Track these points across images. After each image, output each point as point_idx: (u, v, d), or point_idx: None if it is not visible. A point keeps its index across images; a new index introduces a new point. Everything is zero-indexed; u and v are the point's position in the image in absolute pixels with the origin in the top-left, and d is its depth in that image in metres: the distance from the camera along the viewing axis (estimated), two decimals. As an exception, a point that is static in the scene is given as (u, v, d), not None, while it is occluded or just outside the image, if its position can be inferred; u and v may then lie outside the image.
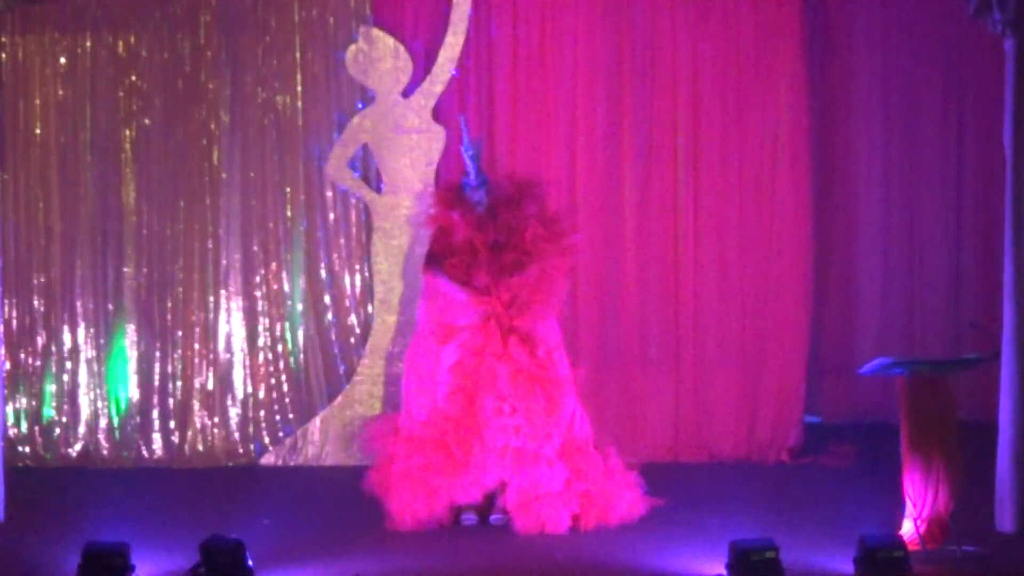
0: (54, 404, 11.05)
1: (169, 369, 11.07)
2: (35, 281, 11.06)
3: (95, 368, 11.04)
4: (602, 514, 9.16)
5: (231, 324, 11.08)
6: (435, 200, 9.75)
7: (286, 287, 11.11)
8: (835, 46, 11.66)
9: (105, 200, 11.06)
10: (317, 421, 11.02)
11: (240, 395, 11.07)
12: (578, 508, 9.15)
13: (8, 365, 10.81)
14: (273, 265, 11.10)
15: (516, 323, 9.24)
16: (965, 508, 8.55)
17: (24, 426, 11.02)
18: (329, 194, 11.09)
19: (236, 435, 11.04)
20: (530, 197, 9.50)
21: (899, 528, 8.44)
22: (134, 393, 11.04)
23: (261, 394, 11.07)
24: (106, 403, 11.04)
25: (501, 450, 9.12)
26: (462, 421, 9.16)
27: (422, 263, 9.64)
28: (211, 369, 11.08)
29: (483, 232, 9.36)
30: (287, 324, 11.09)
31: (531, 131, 11.06)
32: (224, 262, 11.07)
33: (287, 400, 11.09)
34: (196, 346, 11.07)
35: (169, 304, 11.07)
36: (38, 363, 11.07)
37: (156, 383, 11.06)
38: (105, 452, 11.00)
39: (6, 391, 10.36)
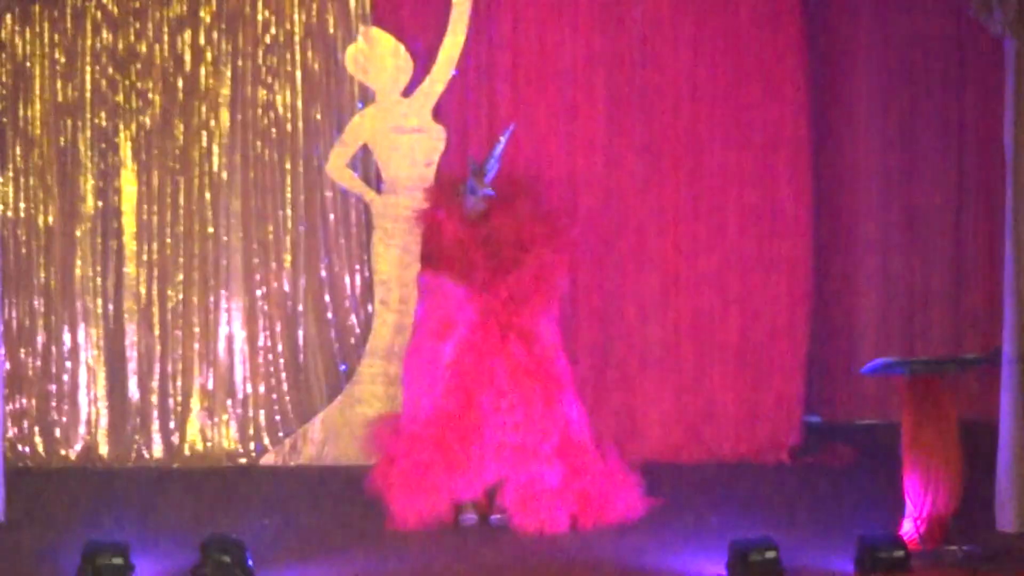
0: (54, 404, 11.04)
1: (169, 369, 11.07)
2: (35, 281, 11.05)
3: (95, 368, 11.04)
4: (600, 513, 9.15)
5: (231, 324, 11.09)
6: (424, 198, 9.76)
7: (286, 287, 11.11)
8: (835, 45, 11.66)
9: (105, 200, 11.06)
10: (317, 421, 11.01)
11: (240, 395, 11.07)
12: (576, 507, 9.14)
13: (8, 365, 10.80)
14: (273, 265, 11.10)
15: (514, 320, 9.24)
16: (965, 508, 8.55)
17: (24, 426, 11.02)
18: (329, 194, 11.09)
19: (236, 435, 11.04)
20: (524, 194, 9.49)
21: (899, 528, 8.44)
22: (134, 393, 11.04)
23: (261, 394, 11.07)
24: (106, 403, 11.04)
25: (499, 446, 9.12)
26: (461, 418, 9.16)
27: (420, 263, 9.64)
28: (211, 369, 11.07)
29: (472, 229, 9.35)
30: (287, 324, 11.09)
31: (531, 131, 11.05)
32: (224, 262, 11.07)
33: (287, 400, 11.09)
34: (196, 346, 11.07)
35: (169, 304, 11.07)
36: (38, 363, 11.07)
37: (156, 383, 11.05)
38: (105, 452, 11.00)
39: (6, 391, 10.36)
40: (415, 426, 9.32)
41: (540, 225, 9.39)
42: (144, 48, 11.01)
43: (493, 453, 9.11)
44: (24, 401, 11.03)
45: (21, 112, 11.03)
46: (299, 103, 11.05)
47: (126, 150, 11.05)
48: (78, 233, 11.04)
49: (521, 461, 9.10)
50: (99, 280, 11.06)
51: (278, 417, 11.08)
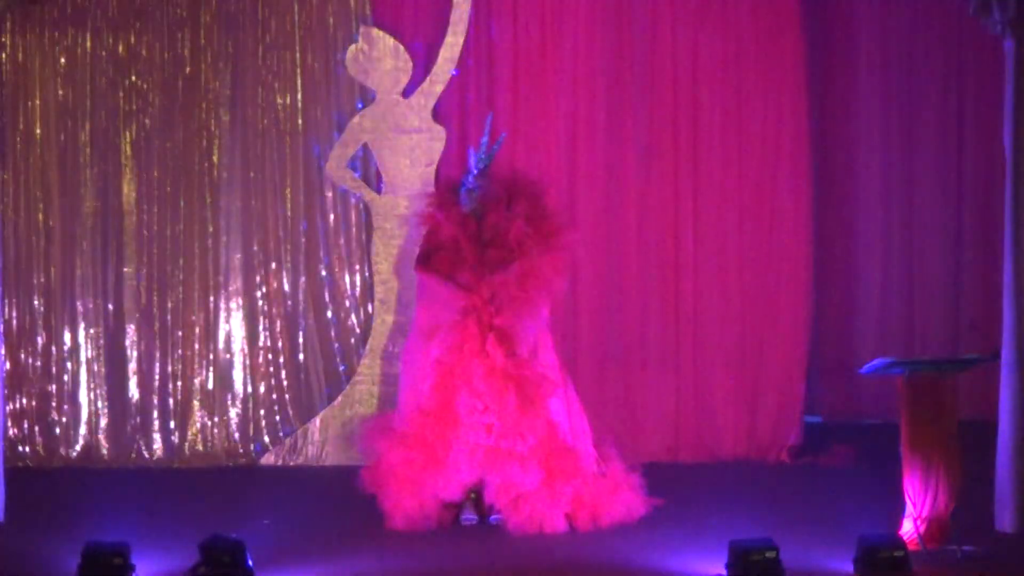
0: (54, 404, 11.05)
1: (169, 369, 11.07)
2: (35, 281, 11.06)
3: (95, 368, 11.05)
4: (594, 515, 9.12)
5: (231, 324, 11.09)
6: (427, 199, 9.76)
7: (286, 287, 11.12)
8: (835, 46, 11.67)
9: (105, 200, 11.06)
10: (317, 421, 11.02)
11: (240, 395, 11.08)
12: (569, 508, 9.13)
13: (8, 365, 10.80)
14: (273, 265, 11.11)
15: (496, 321, 9.21)
16: (965, 508, 8.55)
17: (24, 426, 11.02)
18: (329, 194, 11.10)
19: (236, 435, 11.05)
20: (521, 195, 9.47)
21: (899, 528, 8.44)
22: (134, 393, 11.05)
23: (261, 394, 11.08)
24: (106, 403, 11.05)
25: (472, 447, 9.11)
26: (441, 418, 9.16)
27: (414, 262, 9.64)
28: (211, 369, 11.08)
29: (467, 229, 9.33)
30: (287, 324, 11.10)
31: (531, 131, 11.06)
32: (224, 262, 11.08)
33: (287, 400, 11.09)
34: (196, 346, 11.08)
35: (169, 304, 11.07)
36: (38, 363, 11.07)
37: (156, 383, 11.06)
38: (105, 452, 11.01)
39: (6, 391, 10.36)
40: (403, 424, 9.33)
41: (533, 226, 9.34)
42: (144, 48, 11.01)
43: (467, 454, 9.11)
44: (24, 401, 11.03)
45: (21, 112, 11.03)
46: (299, 103, 11.05)
47: (126, 150, 11.06)
48: (78, 233, 11.04)
49: (494, 463, 9.08)
50: (99, 280, 11.06)
51: (278, 417, 11.08)
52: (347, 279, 11.13)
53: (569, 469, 9.15)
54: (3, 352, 9.79)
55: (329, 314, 11.12)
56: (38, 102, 11.03)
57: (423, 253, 9.50)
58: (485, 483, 9.16)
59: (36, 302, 11.06)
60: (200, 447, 11.04)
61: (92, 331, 11.06)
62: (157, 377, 11.07)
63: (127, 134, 11.05)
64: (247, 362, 11.09)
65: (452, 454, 9.10)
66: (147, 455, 11.02)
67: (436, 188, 10.29)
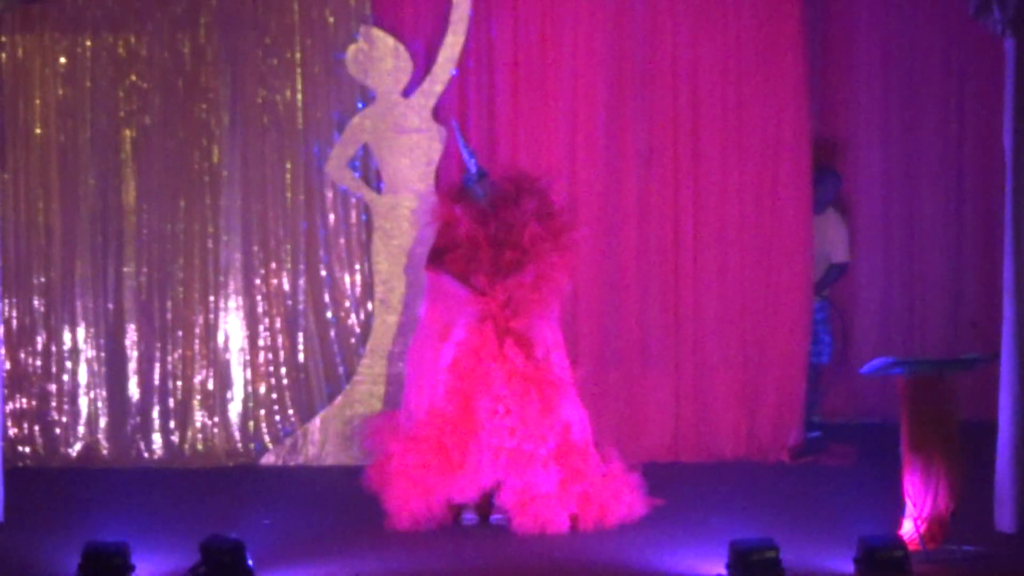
0: (54, 404, 11.05)
1: (169, 369, 11.07)
2: (35, 281, 11.06)
3: (95, 368, 11.05)
4: (600, 515, 9.14)
5: (231, 324, 11.09)
6: (439, 196, 9.75)
7: (286, 287, 11.12)
8: (835, 46, 11.68)
9: (105, 200, 11.06)
10: (317, 421, 11.02)
11: (240, 395, 11.08)
12: (575, 509, 9.14)
13: (8, 365, 10.80)
14: (273, 265, 11.11)
15: (512, 324, 9.22)
16: (965, 508, 8.55)
17: (24, 426, 11.02)
18: (329, 194, 11.10)
19: (236, 435, 11.05)
20: (529, 192, 9.47)
21: (899, 528, 8.44)
22: (134, 393, 11.05)
23: (261, 394, 11.08)
24: (106, 403, 11.05)
25: (495, 451, 9.10)
26: (458, 421, 9.15)
27: (425, 259, 9.63)
28: (211, 369, 11.08)
29: (485, 226, 9.33)
30: (287, 324, 11.10)
31: (531, 131, 11.05)
32: (224, 262, 11.08)
33: (287, 400, 11.09)
34: (196, 346, 11.08)
35: (169, 304, 11.07)
36: (38, 363, 11.07)
37: (156, 383, 11.06)
38: (105, 452, 11.01)
39: (6, 391, 10.36)
40: (412, 426, 9.32)
41: (543, 225, 9.35)
42: (144, 48, 11.01)
43: (489, 457, 9.10)
44: (24, 401, 11.03)
45: (21, 112, 11.03)
46: (299, 103, 11.05)
47: (126, 150, 11.06)
48: (78, 233, 11.04)
49: (517, 466, 9.09)
50: (99, 280, 11.06)
51: (278, 417, 11.08)
52: (347, 279, 11.13)
53: (580, 469, 9.17)
54: (3, 352, 9.79)
55: (329, 314, 11.12)
56: (38, 102, 11.03)
57: (435, 251, 9.47)
58: (500, 485, 9.15)
59: (36, 302, 11.06)
60: (200, 447, 11.04)
61: (92, 331, 11.06)
62: (157, 377, 11.07)
63: (127, 134, 11.05)
64: (247, 362, 11.09)
65: (472, 458, 9.09)
66: (147, 455, 11.02)
67: (450, 184, 10.26)
